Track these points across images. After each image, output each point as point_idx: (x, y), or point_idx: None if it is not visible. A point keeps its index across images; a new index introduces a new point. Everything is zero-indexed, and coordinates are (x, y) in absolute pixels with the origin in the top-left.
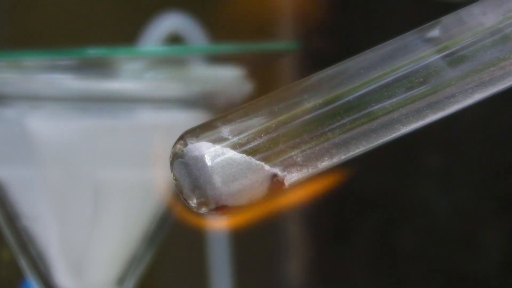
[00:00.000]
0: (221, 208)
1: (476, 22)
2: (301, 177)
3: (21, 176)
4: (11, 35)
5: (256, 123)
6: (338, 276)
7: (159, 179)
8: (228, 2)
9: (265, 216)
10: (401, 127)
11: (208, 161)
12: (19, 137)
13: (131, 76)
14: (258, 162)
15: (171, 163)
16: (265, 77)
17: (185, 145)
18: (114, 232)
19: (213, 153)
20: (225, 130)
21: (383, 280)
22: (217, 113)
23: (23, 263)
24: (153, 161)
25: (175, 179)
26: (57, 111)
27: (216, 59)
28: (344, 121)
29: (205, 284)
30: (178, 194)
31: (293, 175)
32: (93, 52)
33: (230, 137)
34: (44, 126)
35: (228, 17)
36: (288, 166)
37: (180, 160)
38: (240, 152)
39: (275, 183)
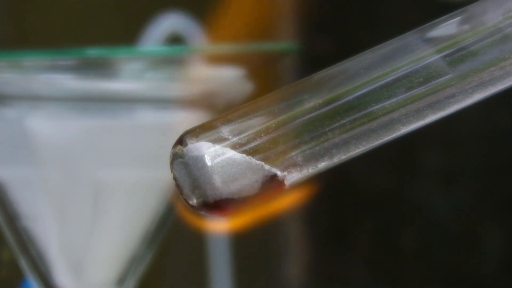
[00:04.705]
0: (221, 208)
1: (476, 22)
2: (301, 177)
3: (21, 176)
4: (11, 35)
5: (256, 123)
6: (338, 276)
7: (159, 179)
8: (228, 2)
9: (265, 217)
10: (401, 127)
11: (208, 161)
12: (19, 137)
13: (131, 76)
14: (258, 162)
15: (171, 163)
16: (265, 77)
17: (185, 145)
18: (114, 232)
19: (213, 153)
20: (225, 130)
21: (383, 280)
22: (217, 113)
23: (23, 263)
24: (153, 161)
25: (175, 179)
26: (57, 111)
27: (216, 59)
28: (344, 121)
29: (205, 284)
30: (178, 194)
31: (293, 175)
32: (93, 52)
33: (230, 137)
34: (44, 126)
35: (228, 17)
36: (288, 166)
37: (180, 160)
38: (240, 152)
39: (275, 183)
